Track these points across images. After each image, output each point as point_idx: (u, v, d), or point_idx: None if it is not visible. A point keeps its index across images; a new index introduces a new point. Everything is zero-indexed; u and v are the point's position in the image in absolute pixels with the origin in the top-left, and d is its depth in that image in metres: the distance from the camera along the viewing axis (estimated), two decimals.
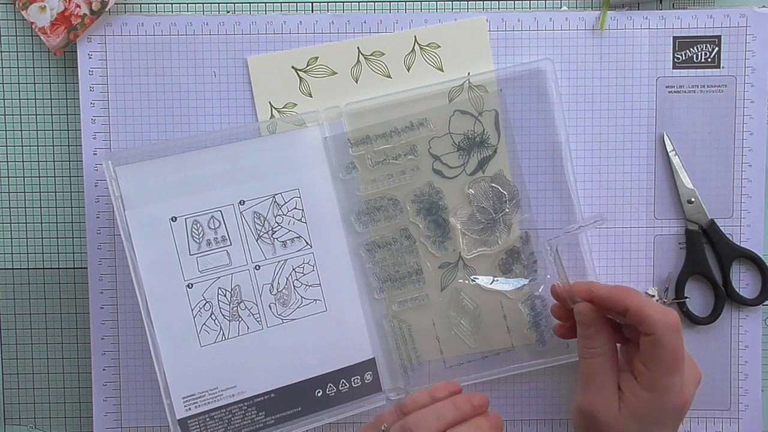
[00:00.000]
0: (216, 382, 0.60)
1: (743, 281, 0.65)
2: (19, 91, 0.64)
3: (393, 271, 0.63)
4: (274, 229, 0.61)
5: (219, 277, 0.61)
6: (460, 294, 0.63)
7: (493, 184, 0.63)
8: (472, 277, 0.63)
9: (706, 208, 0.64)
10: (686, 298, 0.64)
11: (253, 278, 0.61)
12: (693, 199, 0.64)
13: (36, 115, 0.64)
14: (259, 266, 0.61)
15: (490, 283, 0.63)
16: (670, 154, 0.64)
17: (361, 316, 0.63)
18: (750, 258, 0.64)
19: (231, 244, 0.61)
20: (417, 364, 0.64)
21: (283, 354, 0.61)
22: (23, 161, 0.65)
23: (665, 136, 0.64)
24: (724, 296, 0.64)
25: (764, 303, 0.65)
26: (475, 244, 0.63)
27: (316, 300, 0.62)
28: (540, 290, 0.64)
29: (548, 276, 0.64)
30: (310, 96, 0.63)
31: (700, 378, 0.56)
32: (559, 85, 0.63)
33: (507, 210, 0.63)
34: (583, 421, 0.57)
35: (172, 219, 0.60)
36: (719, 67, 0.64)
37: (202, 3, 0.64)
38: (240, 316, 0.61)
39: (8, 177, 0.65)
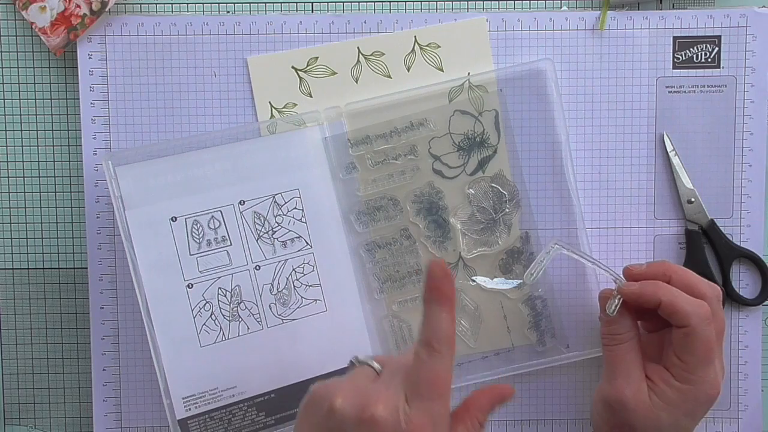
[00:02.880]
0: (216, 383, 0.60)
1: (743, 281, 0.65)
2: (19, 91, 0.64)
3: (393, 271, 0.63)
4: (274, 229, 0.61)
5: (219, 277, 0.61)
6: (461, 294, 0.63)
7: (493, 184, 0.63)
8: (472, 278, 0.63)
9: (706, 208, 0.64)
10: None
11: (253, 278, 0.61)
12: (693, 199, 0.64)
13: (36, 115, 0.64)
14: (259, 266, 0.61)
15: (490, 283, 0.63)
16: (670, 154, 0.64)
17: (361, 316, 0.63)
18: (750, 258, 0.64)
19: (231, 244, 0.61)
20: None
21: (283, 354, 0.61)
22: (23, 161, 0.65)
23: (665, 136, 0.64)
24: (725, 296, 0.64)
25: (764, 303, 0.65)
26: (475, 244, 0.63)
27: (316, 300, 0.62)
28: (540, 290, 0.64)
29: (548, 276, 0.64)
30: (310, 96, 0.63)
31: (724, 371, 0.57)
32: (559, 85, 0.63)
33: (507, 210, 0.63)
34: (609, 410, 0.57)
35: (172, 219, 0.60)
36: (719, 67, 0.64)
37: (202, 3, 0.64)
38: (240, 317, 0.61)
39: (8, 177, 0.65)
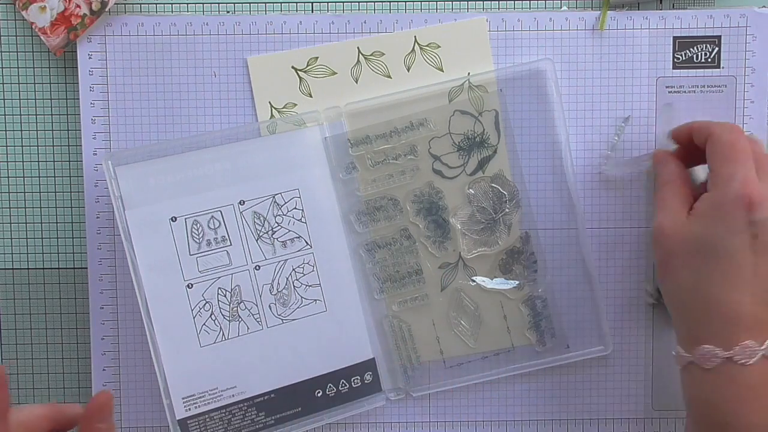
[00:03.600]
0: (216, 383, 0.60)
1: None
2: (19, 91, 0.64)
3: (393, 271, 0.63)
4: (274, 229, 0.61)
5: (219, 278, 0.61)
6: (460, 294, 0.63)
7: (493, 184, 0.63)
8: (472, 278, 0.63)
9: None
10: None
11: (253, 278, 0.61)
12: None
13: (36, 115, 0.64)
14: (259, 266, 0.61)
15: (489, 283, 0.63)
16: None
17: (361, 316, 0.63)
18: None
19: (231, 244, 0.61)
20: (417, 364, 0.64)
21: (283, 354, 0.61)
22: (23, 161, 0.65)
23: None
24: None
25: None
26: (475, 244, 0.63)
27: (316, 300, 0.62)
28: (540, 290, 0.64)
29: (548, 276, 0.64)
30: (310, 96, 0.63)
31: (747, 201, 0.52)
32: (559, 85, 0.63)
33: (507, 210, 0.63)
34: (655, 240, 0.57)
35: (172, 219, 0.60)
36: (719, 67, 0.64)
37: (202, 3, 0.64)
38: (240, 317, 0.61)
39: (8, 177, 0.65)
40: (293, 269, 0.62)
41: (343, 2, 0.64)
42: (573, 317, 0.64)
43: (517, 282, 0.64)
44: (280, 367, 0.61)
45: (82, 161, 0.63)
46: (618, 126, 0.63)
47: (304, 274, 0.62)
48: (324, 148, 0.62)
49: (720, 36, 0.63)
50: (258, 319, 0.61)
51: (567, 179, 0.63)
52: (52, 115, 0.65)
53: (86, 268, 0.64)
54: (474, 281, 0.63)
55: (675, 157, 0.59)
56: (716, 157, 0.54)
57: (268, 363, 0.61)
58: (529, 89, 0.63)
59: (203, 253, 0.61)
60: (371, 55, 0.63)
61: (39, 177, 0.65)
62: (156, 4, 0.64)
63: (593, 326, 0.64)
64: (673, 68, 0.64)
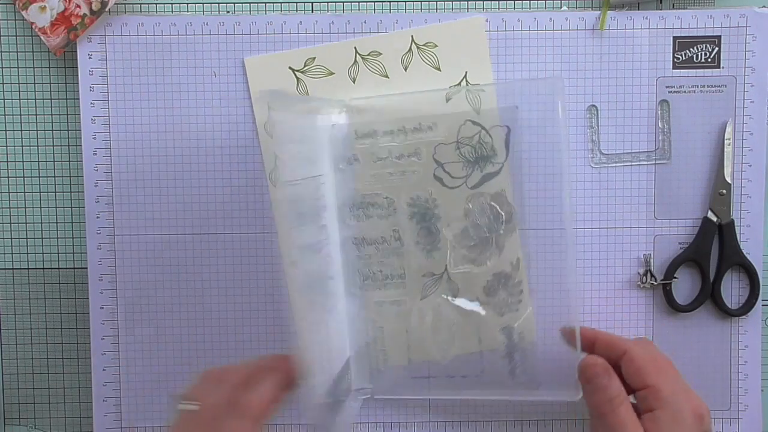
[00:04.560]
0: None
1: (733, 287, 0.65)
2: (19, 91, 0.64)
3: (376, 270, 0.63)
4: None
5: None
6: (439, 308, 0.63)
7: (492, 203, 0.62)
8: (453, 295, 0.62)
9: (733, 207, 0.63)
10: (675, 278, 0.64)
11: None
12: (724, 192, 0.63)
13: (36, 115, 0.65)
14: None
15: (468, 305, 0.62)
16: (725, 141, 0.63)
17: (344, 309, 0.62)
18: (746, 269, 0.64)
19: None
20: (384, 367, 0.63)
21: None
22: (23, 161, 0.65)
23: (728, 125, 0.63)
24: (708, 293, 0.64)
25: (743, 315, 0.64)
26: (463, 259, 0.62)
27: None
28: (518, 323, 0.62)
29: (529, 309, 0.63)
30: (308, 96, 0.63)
31: (699, 413, 0.53)
32: (566, 101, 0.62)
33: (502, 231, 0.62)
34: None
35: None
36: (719, 67, 0.64)
37: (202, 3, 0.64)
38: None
39: (8, 177, 0.65)
40: None
41: (343, 2, 0.64)
42: (549, 361, 0.62)
43: (497, 308, 0.62)
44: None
45: (82, 161, 0.64)
46: None
47: None
48: (330, 137, 0.62)
49: (720, 36, 0.63)
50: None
51: (564, 211, 0.58)
52: (52, 115, 0.65)
53: (86, 268, 0.65)
54: (454, 301, 0.62)
55: (611, 368, 0.55)
56: (643, 373, 0.54)
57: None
58: (543, 109, 0.61)
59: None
60: (368, 55, 0.63)
61: (39, 177, 0.65)
62: (156, 4, 0.64)
63: (567, 374, 0.58)
64: (673, 68, 0.64)
